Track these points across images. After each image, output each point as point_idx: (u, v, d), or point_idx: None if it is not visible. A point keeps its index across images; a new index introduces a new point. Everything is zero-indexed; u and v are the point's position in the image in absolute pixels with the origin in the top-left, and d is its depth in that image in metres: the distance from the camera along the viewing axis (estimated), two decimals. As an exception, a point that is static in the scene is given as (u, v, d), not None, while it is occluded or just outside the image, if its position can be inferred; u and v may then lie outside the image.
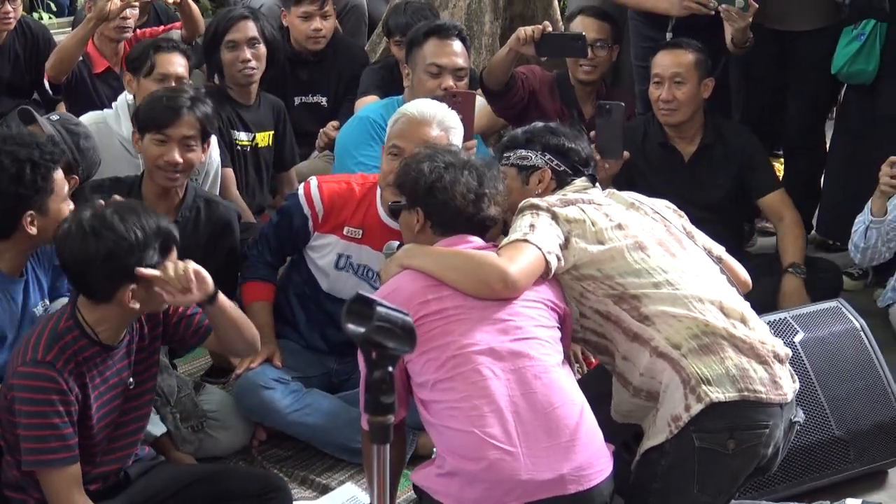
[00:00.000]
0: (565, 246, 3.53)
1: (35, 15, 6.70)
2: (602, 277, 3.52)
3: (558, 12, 6.72)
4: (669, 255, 3.60)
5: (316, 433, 4.28)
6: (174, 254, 3.44)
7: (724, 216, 5.20)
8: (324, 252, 4.39)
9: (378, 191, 4.28)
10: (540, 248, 3.43)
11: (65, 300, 3.88)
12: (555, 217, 3.56)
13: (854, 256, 4.84)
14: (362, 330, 2.22)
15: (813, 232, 6.06)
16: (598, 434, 3.35)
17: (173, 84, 4.86)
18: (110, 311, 3.40)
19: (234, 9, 5.64)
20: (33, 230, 3.61)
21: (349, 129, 5.08)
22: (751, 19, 5.16)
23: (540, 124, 3.98)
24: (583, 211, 3.62)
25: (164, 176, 4.27)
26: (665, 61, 5.09)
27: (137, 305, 3.37)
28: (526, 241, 3.45)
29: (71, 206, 3.69)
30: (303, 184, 4.46)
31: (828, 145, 6.01)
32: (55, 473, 3.35)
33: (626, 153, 4.64)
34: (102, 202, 3.48)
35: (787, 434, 3.49)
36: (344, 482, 4.14)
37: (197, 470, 3.83)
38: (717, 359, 3.38)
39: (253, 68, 5.30)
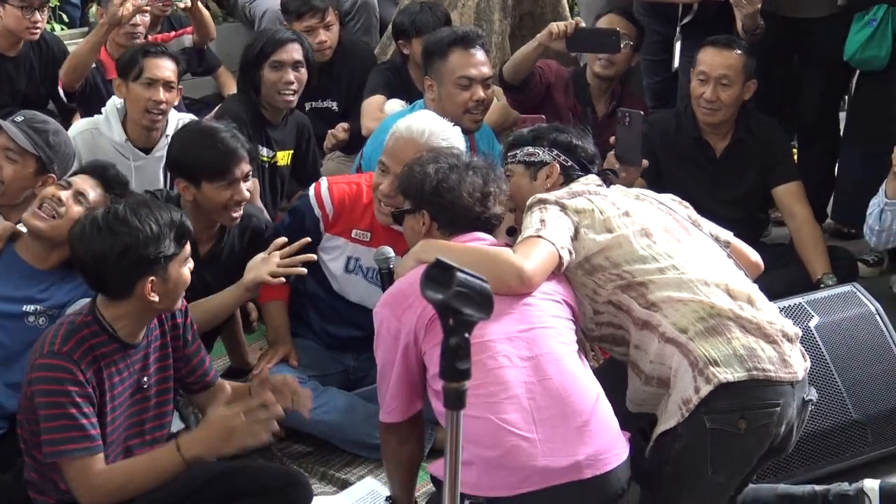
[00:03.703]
0: (575, 237, 3.55)
1: (48, 27, 6.72)
2: (610, 266, 3.53)
3: (567, 10, 6.72)
4: (675, 240, 3.61)
5: (334, 430, 4.30)
6: (188, 246, 3.50)
7: (748, 209, 5.23)
8: (334, 255, 4.44)
9: None
10: (553, 244, 3.45)
11: None
12: (563, 208, 3.57)
13: (869, 239, 4.83)
14: (440, 296, 2.19)
15: (828, 220, 6.05)
16: (614, 420, 3.36)
17: (161, 89, 4.88)
18: (129, 306, 3.44)
19: (281, 29, 5.56)
20: (154, 297, 3.46)
21: (377, 140, 4.90)
22: (759, 5, 5.15)
23: (545, 124, 4.02)
24: (590, 201, 3.63)
25: (230, 215, 4.31)
26: (714, 60, 5.04)
27: (157, 298, 3.41)
28: (539, 237, 3.46)
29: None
30: (313, 185, 4.50)
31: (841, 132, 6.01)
32: (75, 464, 3.36)
33: (645, 161, 4.60)
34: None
35: (801, 413, 3.48)
36: (364, 477, 4.17)
37: (217, 467, 3.81)
38: (723, 340, 3.38)
39: (294, 91, 5.24)
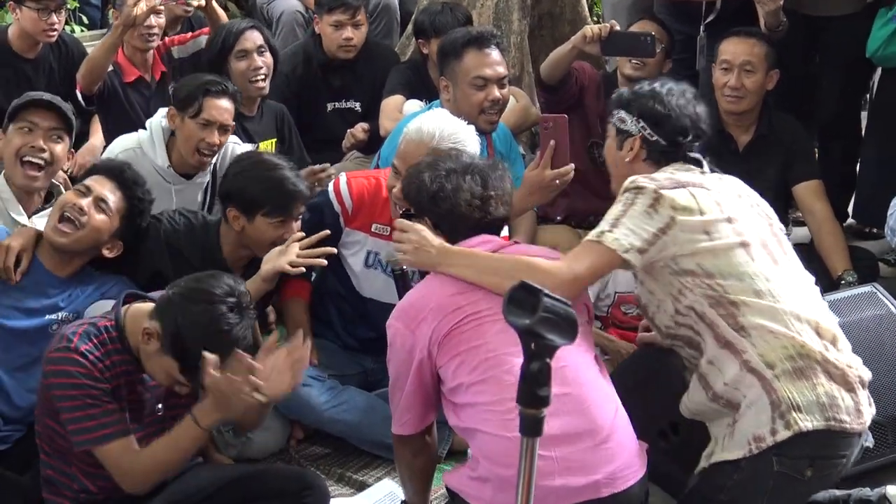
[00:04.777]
0: (664, 232, 3.32)
1: (67, 28, 6.72)
2: (702, 274, 3.34)
3: (586, 9, 6.71)
4: (772, 260, 3.42)
5: (353, 429, 4.31)
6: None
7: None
8: (354, 249, 4.43)
9: None
10: (615, 249, 3.28)
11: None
12: (657, 200, 3.33)
13: (891, 240, 4.80)
14: (526, 321, 2.14)
15: (849, 220, 6.02)
16: (632, 434, 3.30)
17: (216, 132, 4.72)
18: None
19: (238, 21, 5.70)
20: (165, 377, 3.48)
21: (393, 141, 4.87)
22: (781, 2, 5.14)
23: (647, 85, 3.72)
24: (693, 196, 3.38)
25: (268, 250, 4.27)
26: (737, 49, 5.06)
27: (167, 379, 3.45)
28: (599, 242, 3.30)
29: None
30: (332, 180, 4.51)
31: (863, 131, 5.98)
32: (110, 448, 3.38)
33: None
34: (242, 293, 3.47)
35: (856, 456, 3.41)
36: (381, 478, 4.17)
37: (235, 470, 3.84)
38: (809, 385, 3.25)
39: (264, 75, 5.38)
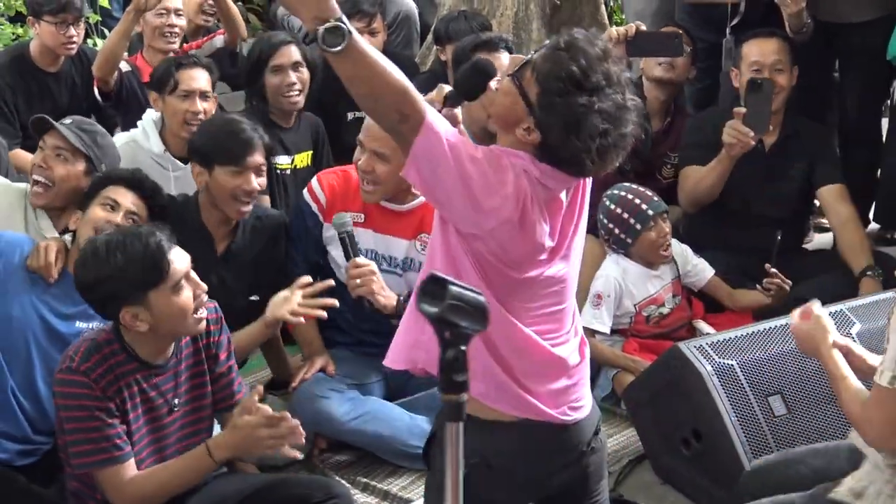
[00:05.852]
0: None
1: (90, 42, 6.77)
2: None
3: (605, 17, 6.72)
4: None
5: (375, 440, 4.30)
6: (175, 272, 3.41)
7: (792, 210, 5.23)
8: (335, 243, 4.41)
9: None
10: None
11: None
12: None
13: (913, 244, 4.78)
14: (435, 309, 2.16)
15: (871, 225, 6.01)
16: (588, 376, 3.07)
17: (198, 100, 4.97)
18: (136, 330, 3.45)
19: (277, 34, 5.68)
20: (142, 326, 3.42)
21: None
22: (804, 3, 5.15)
23: None
24: None
25: (238, 208, 4.37)
26: (763, 49, 5.11)
27: (145, 326, 3.41)
28: None
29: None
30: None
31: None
32: (105, 473, 3.41)
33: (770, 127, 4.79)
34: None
35: None
36: (406, 488, 4.17)
37: (259, 479, 3.84)
38: None
39: (298, 91, 5.35)
